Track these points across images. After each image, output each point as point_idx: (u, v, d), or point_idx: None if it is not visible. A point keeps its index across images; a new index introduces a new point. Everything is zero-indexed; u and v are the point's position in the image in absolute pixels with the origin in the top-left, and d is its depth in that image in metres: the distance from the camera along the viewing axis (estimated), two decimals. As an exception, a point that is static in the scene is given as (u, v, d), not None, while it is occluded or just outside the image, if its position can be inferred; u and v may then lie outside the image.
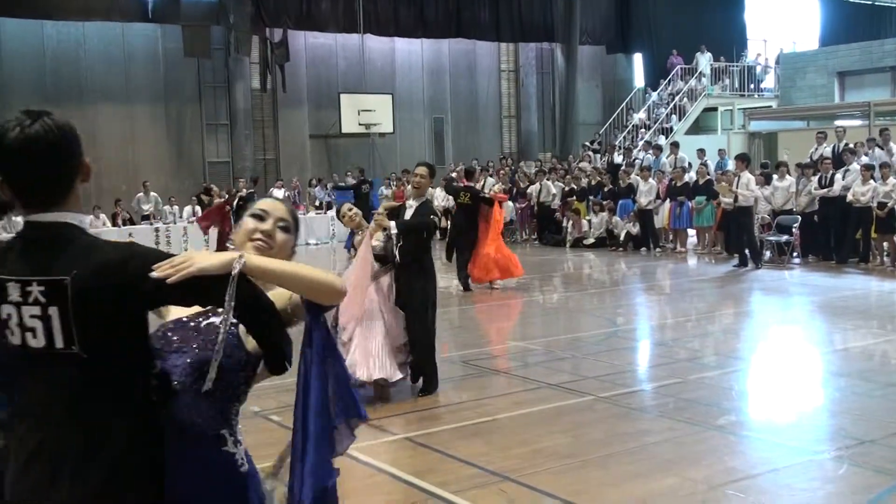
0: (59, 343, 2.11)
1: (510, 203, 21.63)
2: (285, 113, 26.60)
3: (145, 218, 21.72)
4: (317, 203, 24.40)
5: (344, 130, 26.38)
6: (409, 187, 7.68)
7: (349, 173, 24.83)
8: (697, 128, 27.17)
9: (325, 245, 22.40)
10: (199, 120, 25.51)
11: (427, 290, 7.46)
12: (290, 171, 26.06)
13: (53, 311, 2.09)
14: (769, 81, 28.28)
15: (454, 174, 19.80)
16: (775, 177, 16.36)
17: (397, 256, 7.27)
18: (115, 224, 21.22)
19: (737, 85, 27.37)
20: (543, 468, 5.57)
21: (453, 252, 13.89)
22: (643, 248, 18.57)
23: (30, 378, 2.15)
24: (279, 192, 23.54)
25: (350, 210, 7.52)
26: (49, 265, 2.11)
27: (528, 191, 21.71)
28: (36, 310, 2.10)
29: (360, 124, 26.29)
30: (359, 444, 5.93)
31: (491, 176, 23.46)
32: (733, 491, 5.13)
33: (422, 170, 7.68)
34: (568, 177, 21.87)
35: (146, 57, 24.61)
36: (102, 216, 21.19)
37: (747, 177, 15.50)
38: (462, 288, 13.59)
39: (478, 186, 16.32)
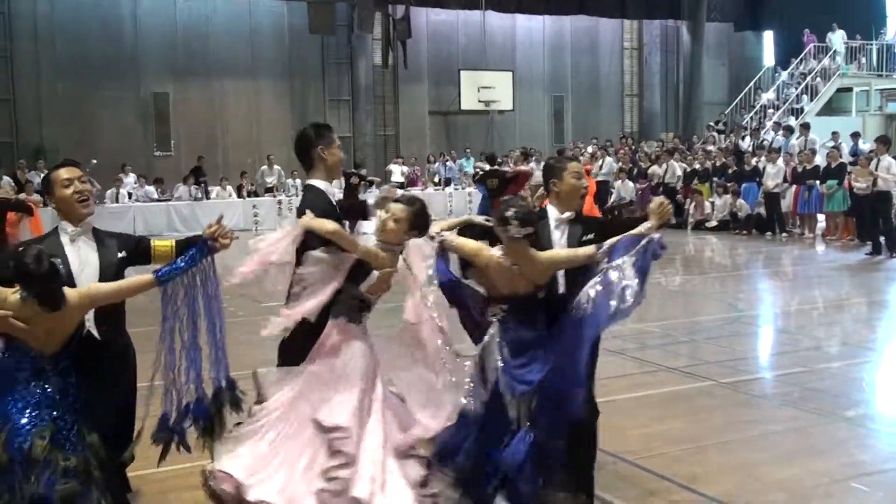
0: None
1: (630, 183, 21.23)
2: (406, 89, 26.80)
3: (269, 190, 22.25)
4: (436, 179, 24.49)
5: (463, 107, 26.41)
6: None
7: (468, 151, 24.86)
8: (830, 109, 26.01)
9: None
10: (322, 95, 25.93)
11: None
12: (409, 147, 26.27)
13: None
14: (910, 61, 26.83)
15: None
16: (914, 161, 15.56)
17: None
18: (239, 196, 21.82)
19: (874, 64, 26.07)
20: (660, 451, 5.47)
21: None
22: (768, 233, 17.97)
23: None
24: (397, 168, 23.80)
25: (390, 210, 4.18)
26: None
27: (651, 171, 21.25)
28: None
29: (479, 101, 26.29)
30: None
31: (609, 155, 23.13)
32: (859, 485, 4.92)
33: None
34: (689, 157, 21.29)
35: (272, 33, 25.15)
36: (229, 188, 21.85)
37: (888, 160, 14.80)
38: None
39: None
